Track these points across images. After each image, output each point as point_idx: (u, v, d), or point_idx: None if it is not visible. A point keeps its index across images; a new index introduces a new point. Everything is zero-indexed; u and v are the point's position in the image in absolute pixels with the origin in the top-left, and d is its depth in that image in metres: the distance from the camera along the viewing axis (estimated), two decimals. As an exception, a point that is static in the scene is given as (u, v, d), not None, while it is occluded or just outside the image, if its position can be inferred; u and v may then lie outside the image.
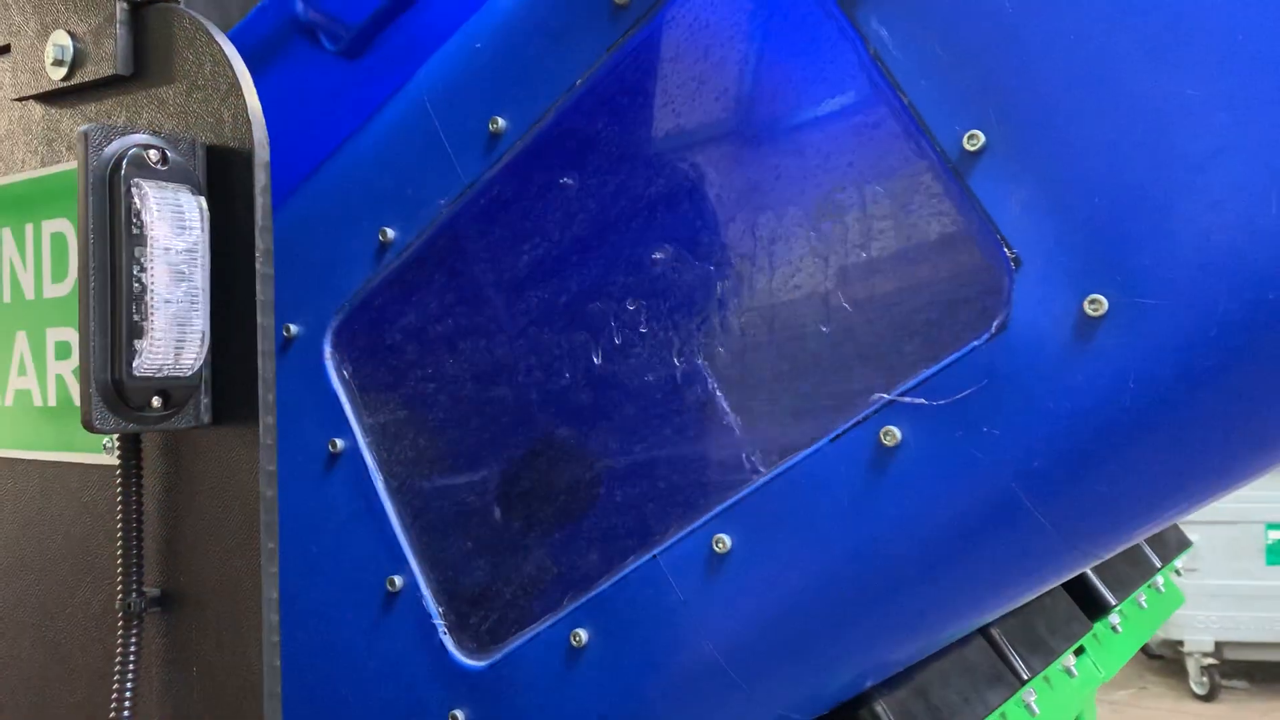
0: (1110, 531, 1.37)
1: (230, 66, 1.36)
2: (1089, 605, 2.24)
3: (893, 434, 1.35)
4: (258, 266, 1.34)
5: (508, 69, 1.71)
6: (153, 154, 1.31)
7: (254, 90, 1.36)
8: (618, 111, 1.64)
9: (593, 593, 1.59)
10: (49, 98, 1.56)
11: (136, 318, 1.27)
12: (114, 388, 1.28)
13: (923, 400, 1.34)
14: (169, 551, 1.43)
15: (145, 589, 1.42)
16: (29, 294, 1.59)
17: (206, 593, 1.39)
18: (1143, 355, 1.22)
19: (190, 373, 1.33)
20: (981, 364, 1.30)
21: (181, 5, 1.44)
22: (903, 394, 1.35)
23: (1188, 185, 1.20)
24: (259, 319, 1.34)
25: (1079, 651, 2.20)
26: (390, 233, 1.81)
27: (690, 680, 1.53)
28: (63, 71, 1.50)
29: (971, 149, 1.31)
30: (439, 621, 1.74)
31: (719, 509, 1.48)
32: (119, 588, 1.41)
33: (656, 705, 1.55)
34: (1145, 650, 7.66)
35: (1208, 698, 7.22)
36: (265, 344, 1.35)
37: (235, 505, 1.35)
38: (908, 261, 1.39)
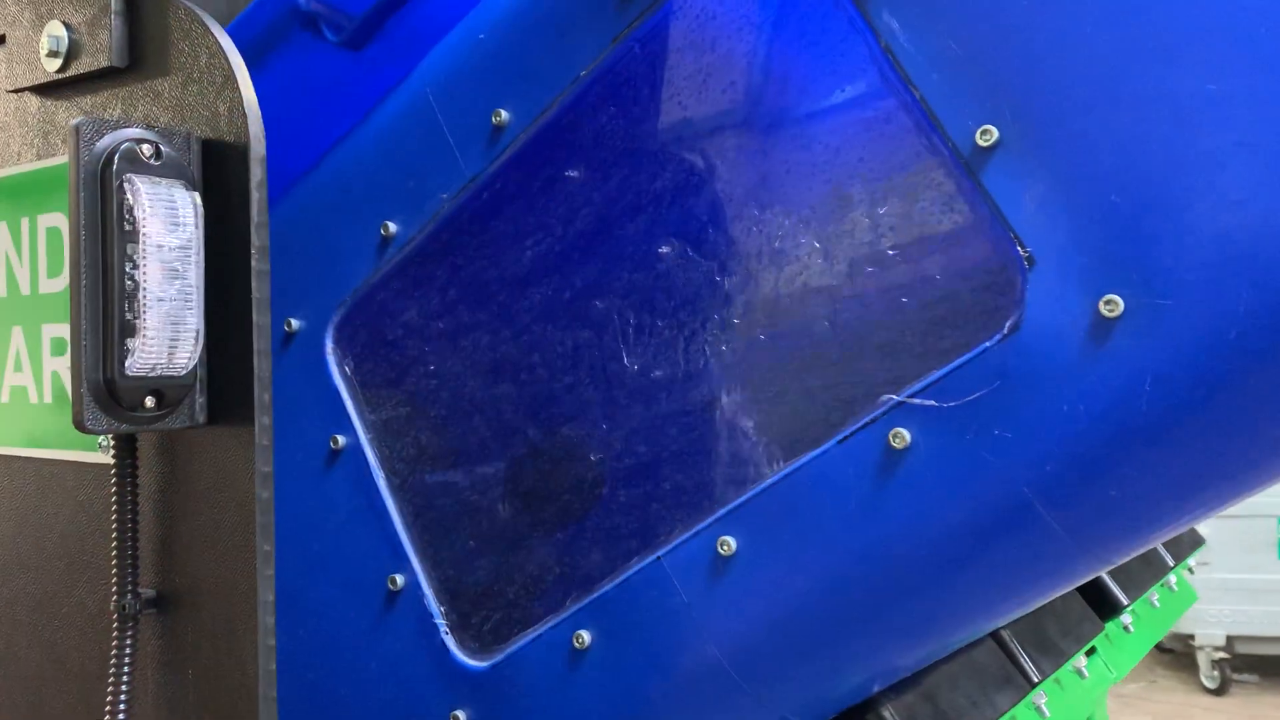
0: (1125, 537, 1.34)
1: (226, 59, 1.33)
2: (1101, 605, 2.21)
3: (902, 436, 1.32)
4: (253, 263, 1.32)
5: (511, 60, 1.68)
6: (146, 149, 1.28)
7: (250, 83, 1.34)
8: (623, 104, 1.61)
9: (596, 594, 1.57)
10: (45, 89, 1.54)
11: (129, 316, 1.25)
12: (106, 387, 1.25)
13: (933, 402, 1.31)
14: (165, 553, 1.42)
15: (141, 590, 1.40)
16: (25, 289, 1.57)
17: (202, 595, 1.37)
18: (1160, 357, 1.19)
19: (184, 372, 1.30)
20: (993, 365, 1.27)
21: (177, -5, 1.41)
22: (912, 395, 1.32)
23: (1208, 182, 1.16)
24: (255, 317, 1.32)
25: (1090, 652, 2.17)
26: (392, 227, 1.78)
27: (694, 683, 1.50)
28: (58, 63, 1.48)
29: (984, 144, 1.28)
30: (440, 621, 1.72)
31: (724, 510, 1.46)
32: (114, 589, 1.39)
33: (660, 708, 1.53)
34: (1156, 644, 7.62)
35: (1218, 692, 7.19)
36: (261, 342, 1.32)
37: (231, 507, 1.33)
38: (918, 259, 1.36)
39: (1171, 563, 2.54)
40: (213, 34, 1.35)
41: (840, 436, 1.37)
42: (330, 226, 1.85)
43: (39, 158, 1.55)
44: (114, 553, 1.39)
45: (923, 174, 1.35)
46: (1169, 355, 1.19)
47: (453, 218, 1.74)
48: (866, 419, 1.35)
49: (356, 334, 1.84)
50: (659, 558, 1.51)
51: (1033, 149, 1.25)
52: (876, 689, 1.58)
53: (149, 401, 1.29)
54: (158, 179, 1.28)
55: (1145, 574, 2.42)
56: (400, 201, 1.78)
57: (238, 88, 1.33)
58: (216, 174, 1.35)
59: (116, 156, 1.26)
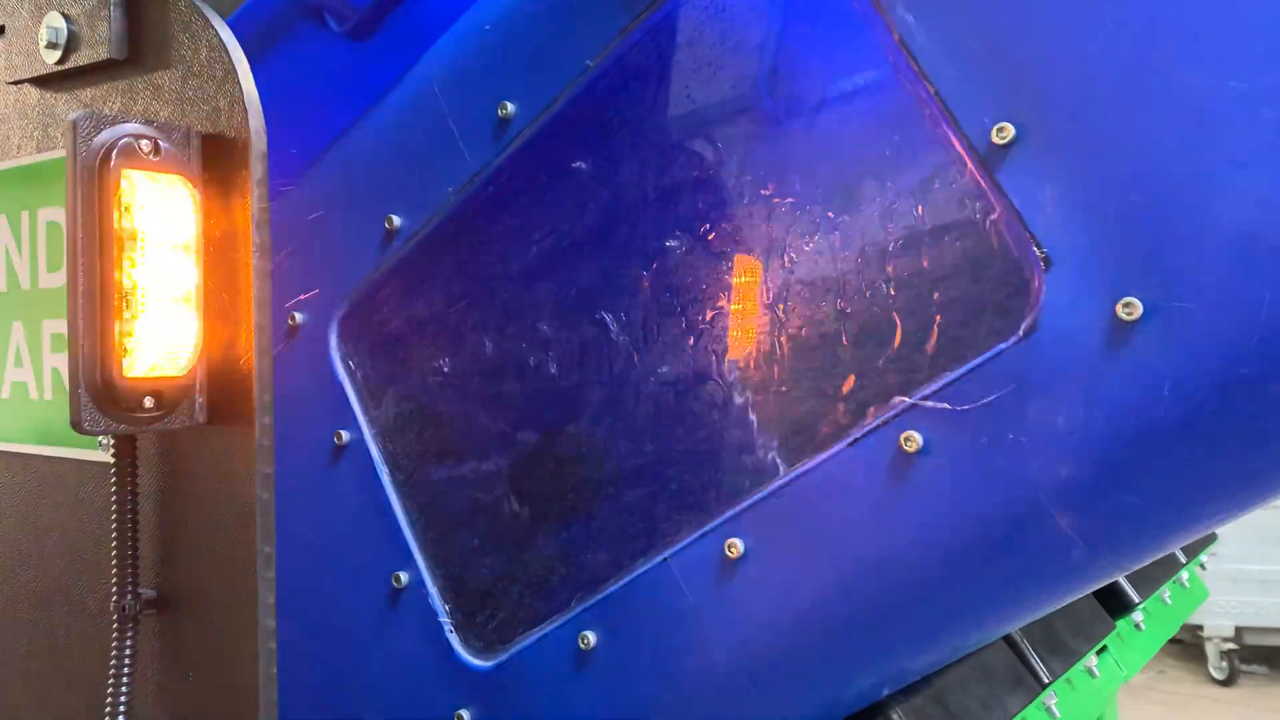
0: (1142, 543, 1.31)
1: (227, 52, 1.31)
2: (1113, 603, 2.19)
3: (914, 439, 1.29)
4: (254, 261, 1.30)
5: (518, 52, 1.65)
6: (144, 144, 1.26)
7: (251, 77, 1.31)
8: (631, 97, 1.58)
9: (602, 594, 1.55)
10: (44, 81, 1.51)
11: (127, 315, 1.23)
12: (104, 388, 1.23)
13: (946, 405, 1.28)
14: (165, 553, 1.40)
15: (141, 590, 1.38)
16: (25, 283, 1.55)
17: (203, 597, 1.36)
18: (1179, 361, 1.16)
19: (183, 372, 1.28)
20: (1008, 368, 1.24)
21: (178, -13, 1.38)
22: (925, 398, 1.30)
23: (1230, 183, 1.13)
24: (255, 316, 1.30)
25: (1101, 650, 2.15)
26: (396, 220, 1.76)
27: (699, 685, 1.48)
28: (57, 55, 1.45)
29: (1000, 142, 1.25)
30: (445, 620, 1.71)
31: (732, 512, 1.43)
32: (114, 589, 1.37)
33: (665, 710, 1.51)
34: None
35: (1226, 682, 7.16)
36: (262, 342, 1.30)
37: (232, 508, 1.31)
38: (931, 259, 1.33)
39: (1184, 560, 2.52)
40: (214, 27, 1.32)
41: (851, 438, 1.35)
42: (334, 219, 1.83)
43: (39, 150, 1.53)
44: (114, 553, 1.37)
45: (936, 171, 1.32)
46: (1189, 359, 1.16)
47: (458, 211, 1.71)
48: (878, 421, 1.33)
49: (361, 328, 1.82)
50: (666, 559, 1.48)
51: (1050, 147, 1.22)
52: (886, 692, 1.56)
53: (148, 402, 1.27)
54: (157, 175, 1.25)
55: (1158, 571, 2.39)
56: (404, 195, 1.75)
57: (239, 82, 1.30)
58: (217, 170, 1.32)
59: (115, 152, 1.24)
